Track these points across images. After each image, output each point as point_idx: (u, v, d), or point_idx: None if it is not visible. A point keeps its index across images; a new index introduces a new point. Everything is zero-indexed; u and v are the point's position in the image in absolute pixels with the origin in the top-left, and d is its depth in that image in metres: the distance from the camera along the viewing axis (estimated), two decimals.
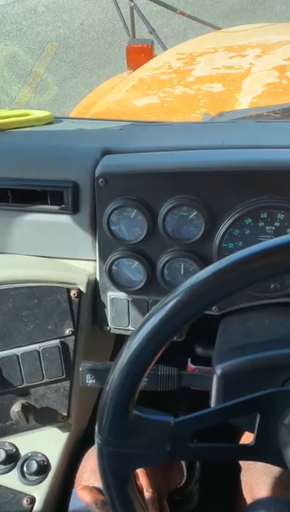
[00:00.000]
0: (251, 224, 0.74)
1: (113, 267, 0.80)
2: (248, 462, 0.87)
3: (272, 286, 0.75)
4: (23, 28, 4.93)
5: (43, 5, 5.18)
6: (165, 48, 2.19)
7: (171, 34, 4.34)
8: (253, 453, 0.58)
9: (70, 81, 4.28)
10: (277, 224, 0.73)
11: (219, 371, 0.63)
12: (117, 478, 0.57)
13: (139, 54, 2.07)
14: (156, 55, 2.06)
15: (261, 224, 0.73)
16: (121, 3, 2.33)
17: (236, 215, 0.73)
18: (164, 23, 4.30)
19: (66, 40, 4.74)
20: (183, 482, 0.92)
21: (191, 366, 0.71)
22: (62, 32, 4.85)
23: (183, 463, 0.93)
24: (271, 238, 0.72)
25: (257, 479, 0.83)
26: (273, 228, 0.73)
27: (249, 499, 0.84)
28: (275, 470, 0.82)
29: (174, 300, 0.51)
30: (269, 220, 0.73)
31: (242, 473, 0.88)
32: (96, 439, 0.56)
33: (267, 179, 0.72)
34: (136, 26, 2.34)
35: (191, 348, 0.81)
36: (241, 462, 0.90)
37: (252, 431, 0.56)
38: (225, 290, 0.52)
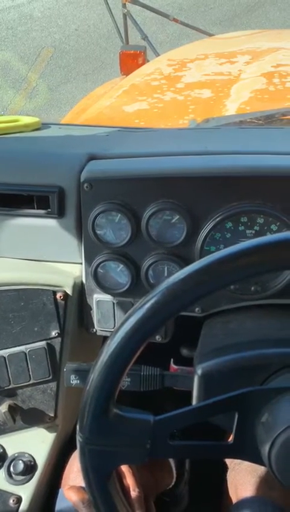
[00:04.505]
0: (232, 228, 0.75)
1: (99, 270, 0.82)
2: (234, 461, 0.88)
3: (252, 288, 0.77)
4: (19, 33, 4.95)
5: (38, 11, 5.20)
6: (157, 54, 2.21)
7: (166, 40, 4.37)
8: (232, 451, 0.59)
9: (66, 86, 4.29)
10: (256, 228, 0.75)
11: (199, 371, 0.64)
12: (98, 476, 0.58)
13: (132, 60, 2.09)
14: (149, 61, 2.09)
15: (241, 228, 0.75)
16: (115, 10, 2.36)
17: (217, 219, 0.75)
18: (158, 29, 4.33)
19: (61, 46, 4.76)
20: (173, 483, 0.93)
21: (173, 366, 0.72)
22: (57, 37, 4.87)
23: (172, 464, 0.93)
24: None
25: (241, 479, 0.84)
26: (253, 232, 0.75)
27: (234, 499, 0.84)
28: (260, 469, 0.83)
29: (152, 301, 0.53)
30: (249, 224, 0.75)
31: (228, 472, 0.88)
32: (78, 438, 0.57)
33: (247, 184, 0.74)
34: (130, 32, 2.37)
35: (176, 349, 0.83)
36: (227, 462, 0.90)
37: (231, 430, 0.57)
38: (202, 291, 0.53)
